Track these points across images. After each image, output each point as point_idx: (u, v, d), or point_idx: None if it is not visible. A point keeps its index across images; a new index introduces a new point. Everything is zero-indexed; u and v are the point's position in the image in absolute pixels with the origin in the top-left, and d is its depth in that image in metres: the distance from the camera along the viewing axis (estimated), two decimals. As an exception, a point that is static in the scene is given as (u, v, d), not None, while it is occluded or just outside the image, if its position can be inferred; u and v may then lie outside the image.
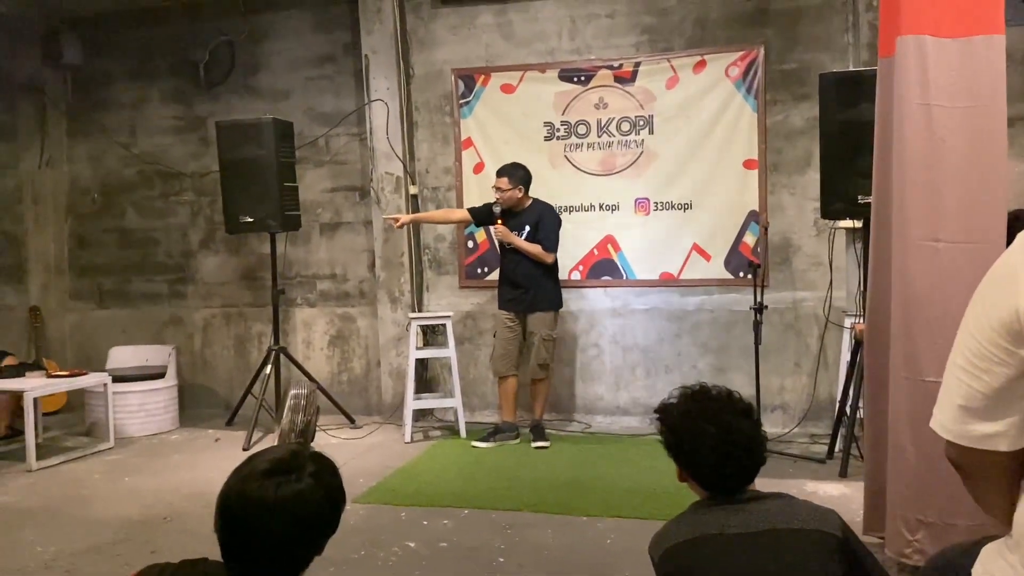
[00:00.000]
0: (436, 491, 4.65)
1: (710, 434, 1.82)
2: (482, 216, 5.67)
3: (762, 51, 5.69)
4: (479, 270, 6.24)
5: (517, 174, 5.51)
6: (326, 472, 1.60)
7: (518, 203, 5.51)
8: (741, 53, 5.73)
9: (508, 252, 5.58)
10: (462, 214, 5.79)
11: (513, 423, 5.63)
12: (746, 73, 5.72)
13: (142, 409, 6.09)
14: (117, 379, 5.94)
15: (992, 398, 1.25)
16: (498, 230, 5.51)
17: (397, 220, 5.75)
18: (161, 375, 6.29)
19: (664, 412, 1.94)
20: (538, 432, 5.53)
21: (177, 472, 5.14)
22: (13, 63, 7.04)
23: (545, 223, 5.50)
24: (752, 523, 1.77)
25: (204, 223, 6.95)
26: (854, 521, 3.31)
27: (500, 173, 5.54)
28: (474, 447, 5.47)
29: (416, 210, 6.32)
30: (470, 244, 6.31)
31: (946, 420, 1.32)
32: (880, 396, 3.29)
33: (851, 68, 5.29)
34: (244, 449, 5.52)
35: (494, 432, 5.58)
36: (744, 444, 1.84)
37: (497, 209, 5.51)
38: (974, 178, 2.99)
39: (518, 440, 5.55)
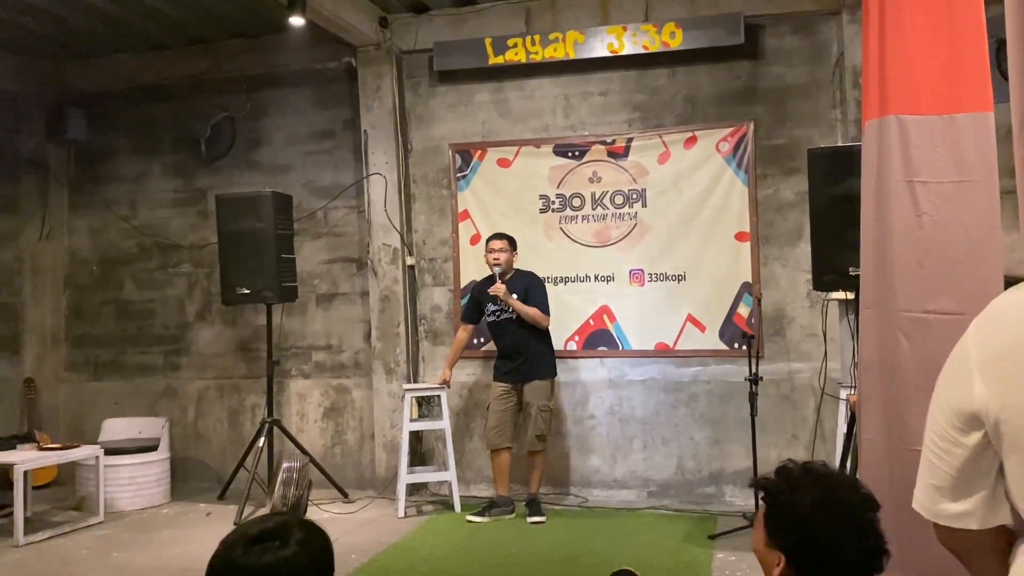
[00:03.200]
0: (430, 568, 4.56)
1: (851, 536, 1.51)
2: (474, 310, 5.78)
3: (751, 127, 5.82)
4: (475, 340, 6.24)
5: (511, 238, 5.68)
6: (315, 541, 1.58)
7: (509, 269, 5.62)
8: (731, 129, 5.86)
9: (501, 325, 5.61)
10: (465, 331, 5.86)
11: (508, 497, 5.55)
12: (736, 148, 5.85)
13: (133, 482, 6.01)
14: (109, 452, 5.87)
15: (956, 477, 1.28)
16: (499, 290, 5.48)
17: (446, 382, 5.83)
18: (154, 448, 6.23)
19: (783, 493, 1.58)
20: (534, 507, 5.45)
21: (166, 547, 5.04)
22: (18, 138, 7.18)
23: (535, 289, 5.60)
24: None
25: (201, 294, 6.98)
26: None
27: (496, 238, 5.69)
28: (469, 522, 5.39)
29: (413, 281, 6.40)
30: (466, 315, 6.34)
31: (923, 499, 1.35)
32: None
33: (839, 143, 5.41)
34: (235, 524, 5.43)
35: (489, 507, 5.50)
36: (877, 548, 1.53)
37: (498, 270, 5.56)
38: (964, 251, 3.03)
39: (514, 515, 5.47)
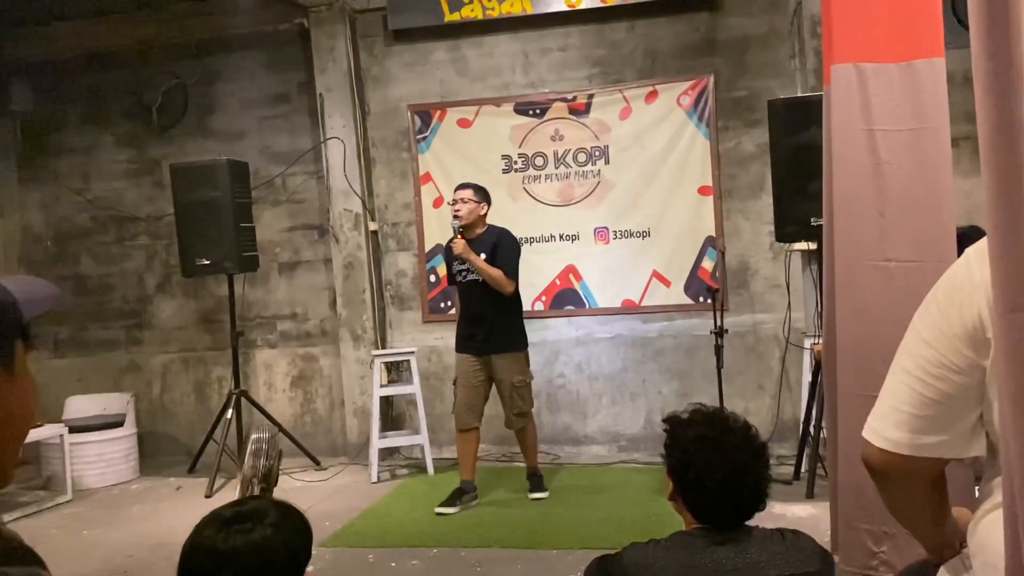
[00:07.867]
0: (404, 531, 4.58)
1: (720, 469, 1.70)
2: (449, 271, 5.22)
3: (712, 80, 5.80)
4: (442, 304, 6.22)
5: (481, 190, 5.02)
6: (291, 524, 1.55)
7: (477, 223, 4.96)
8: (691, 82, 5.83)
9: (467, 286, 4.99)
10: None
11: (472, 482, 5.03)
12: (697, 102, 5.82)
13: (101, 459, 5.94)
14: (74, 429, 5.79)
15: (944, 405, 1.25)
16: (457, 244, 4.86)
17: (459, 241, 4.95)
18: (120, 424, 6.15)
19: (677, 427, 1.82)
20: (536, 482, 5.08)
21: (138, 523, 5.01)
22: (-40, 112, 6.93)
23: (504, 248, 4.91)
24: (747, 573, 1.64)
25: (160, 267, 6.85)
26: (822, 541, 3.32)
27: (461, 187, 5.02)
28: (439, 514, 4.82)
29: (376, 246, 6.34)
30: (432, 279, 6.30)
31: (885, 429, 1.32)
32: (840, 415, 3.31)
33: (799, 94, 5.41)
34: (206, 496, 5.40)
35: (459, 494, 4.94)
36: (751, 488, 1.72)
37: (456, 224, 4.89)
38: (922, 198, 3.06)
39: (477, 501, 5.00)
